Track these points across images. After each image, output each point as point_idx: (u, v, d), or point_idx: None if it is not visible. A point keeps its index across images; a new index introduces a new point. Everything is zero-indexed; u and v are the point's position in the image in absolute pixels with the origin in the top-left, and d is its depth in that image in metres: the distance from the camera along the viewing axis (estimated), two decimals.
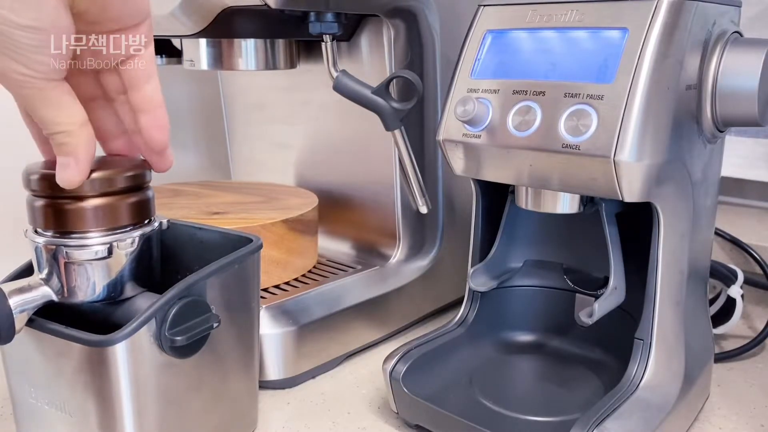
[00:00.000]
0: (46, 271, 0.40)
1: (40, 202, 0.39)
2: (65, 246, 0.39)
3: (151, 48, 0.39)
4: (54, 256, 0.39)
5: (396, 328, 0.66)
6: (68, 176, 0.37)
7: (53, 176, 0.37)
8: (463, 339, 0.54)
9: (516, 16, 0.45)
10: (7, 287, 0.38)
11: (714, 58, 0.43)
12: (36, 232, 0.40)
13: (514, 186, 0.50)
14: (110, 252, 0.40)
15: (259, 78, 0.75)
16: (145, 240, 0.42)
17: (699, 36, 0.41)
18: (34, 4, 0.32)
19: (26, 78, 0.33)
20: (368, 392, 0.56)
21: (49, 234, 0.39)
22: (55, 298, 0.40)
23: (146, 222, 0.42)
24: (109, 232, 0.40)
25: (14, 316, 0.38)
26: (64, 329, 0.39)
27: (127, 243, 0.40)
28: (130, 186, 0.40)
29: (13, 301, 0.38)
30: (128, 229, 0.41)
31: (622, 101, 0.39)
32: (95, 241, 0.39)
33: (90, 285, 0.40)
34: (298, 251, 0.64)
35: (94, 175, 0.38)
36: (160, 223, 0.44)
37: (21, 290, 0.39)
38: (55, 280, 0.40)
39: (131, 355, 0.38)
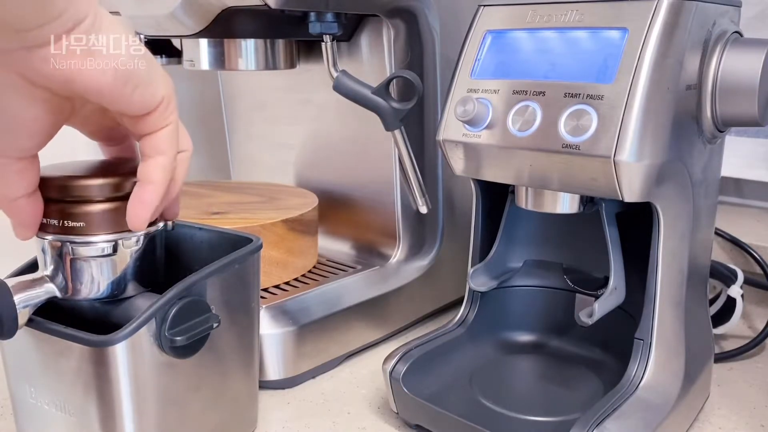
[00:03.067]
0: (51, 268, 0.40)
1: (47, 206, 0.39)
2: (71, 242, 0.39)
3: (171, 127, 0.37)
4: (60, 253, 0.39)
5: (396, 328, 0.66)
6: None
7: (61, 180, 0.38)
8: (463, 339, 0.54)
9: (516, 16, 0.45)
10: (12, 282, 0.39)
11: (714, 58, 0.43)
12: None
13: (514, 186, 0.50)
14: (115, 249, 0.40)
15: (259, 78, 0.75)
16: (150, 239, 0.42)
17: (699, 36, 0.41)
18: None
19: None
20: (368, 392, 0.56)
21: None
22: (59, 294, 0.40)
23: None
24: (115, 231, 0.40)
25: (18, 311, 0.38)
26: (64, 329, 0.39)
27: (132, 241, 0.40)
28: None
29: (18, 297, 0.38)
30: None
31: (622, 101, 0.39)
32: (101, 238, 0.39)
33: (94, 282, 0.40)
34: (298, 251, 0.64)
35: (102, 180, 0.38)
36: (165, 224, 0.44)
37: (25, 286, 0.39)
38: (59, 277, 0.40)
39: (131, 355, 0.38)
